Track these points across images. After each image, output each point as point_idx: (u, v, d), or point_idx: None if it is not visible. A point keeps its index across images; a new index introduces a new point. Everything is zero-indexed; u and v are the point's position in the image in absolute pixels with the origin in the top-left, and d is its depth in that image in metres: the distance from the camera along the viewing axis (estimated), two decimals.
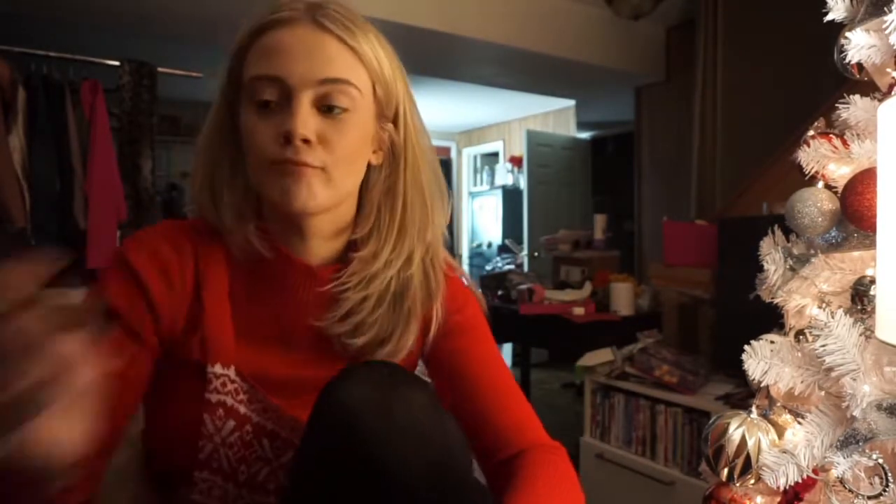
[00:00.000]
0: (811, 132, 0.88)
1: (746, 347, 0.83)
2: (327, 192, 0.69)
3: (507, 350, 5.18)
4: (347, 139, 0.70)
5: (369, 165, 0.76)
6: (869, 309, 0.76)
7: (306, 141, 0.67)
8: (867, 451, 0.68)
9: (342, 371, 0.67)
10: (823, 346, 0.72)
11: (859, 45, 0.78)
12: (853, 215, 0.77)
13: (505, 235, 5.57)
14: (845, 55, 0.81)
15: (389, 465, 0.59)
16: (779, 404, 0.84)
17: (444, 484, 0.60)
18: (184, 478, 0.72)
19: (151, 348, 0.71)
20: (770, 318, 0.94)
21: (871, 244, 0.76)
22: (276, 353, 0.75)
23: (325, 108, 0.68)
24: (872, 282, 0.77)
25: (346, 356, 0.76)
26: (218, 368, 0.71)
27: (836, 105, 0.84)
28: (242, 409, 0.73)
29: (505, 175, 5.94)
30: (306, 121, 0.67)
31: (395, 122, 0.76)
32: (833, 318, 0.72)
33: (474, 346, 0.82)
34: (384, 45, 0.74)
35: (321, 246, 0.76)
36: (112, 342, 0.67)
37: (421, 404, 0.64)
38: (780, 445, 0.78)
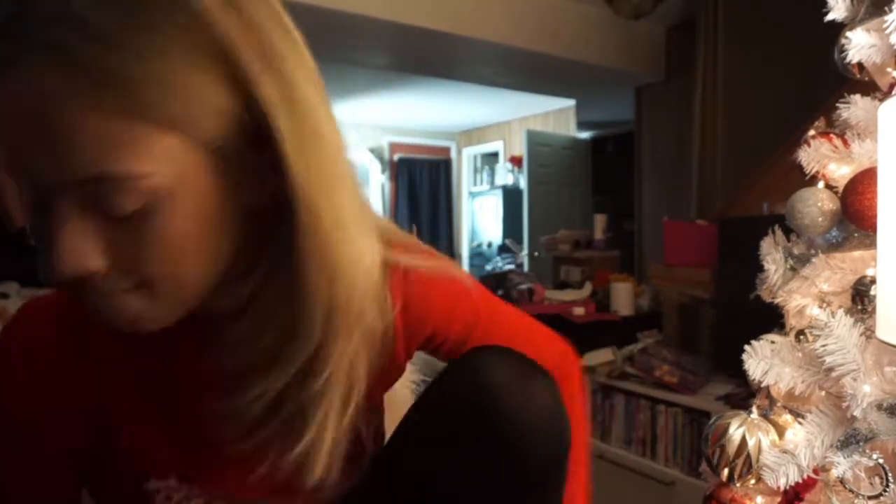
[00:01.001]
0: (811, 132, 0.88)
1: (747, 347, 0.83)
2: (163, 311, 0.48)
3: None
4: (163, 244, 0.45)
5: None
6: (869, 309, 0.76)
7: (90, 274, 0.44)
8: (867, 451, 0.68)
9: (477, 350, 0.61)
10: (824, 346, 0.72)
11: (860, 45, 0.78)
12: (854, 215, 0.77)
13: (505, 235, 5.58)
14: (845, 55, 0.81)
15: (522, 451, 0.57)
16: (779, 404, 0.84)
17: (556, 478, 0.60)
18: None
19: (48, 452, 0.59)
20: (770, 318, 0.94)
21: (872, 244, 0.76)
22: (203, 431, 0.56)
23: (113, 213, 0.43)
24: (873, 282, 0.77)
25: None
26: (153, 483, 0.59)
27: (837, 105, 0.84)
28: None
29: (505, 175, 5.95)
30: (77, 248, 0.43)
31: (266, 127, 0.46)
32: (833, 318, 0.72)
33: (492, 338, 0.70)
34: (195, 33, 0.41)
35: (217, 310, 0.54)
36: None
37: (555, 397, 0.60)
38: (781, 445, 0.78)
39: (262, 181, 0.47)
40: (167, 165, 0.43)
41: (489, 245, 5.96)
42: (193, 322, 0.53)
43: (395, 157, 6.48)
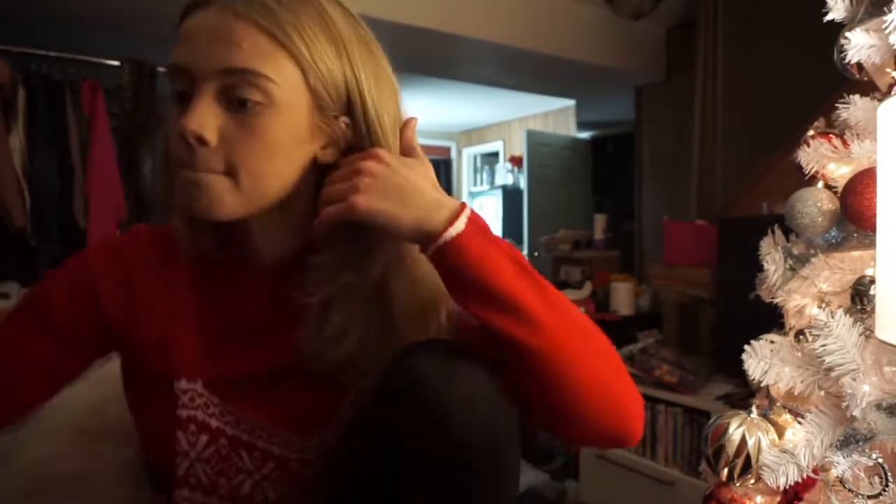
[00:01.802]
0: (811, 132, 0.88)
1: (746, 347, 0.83)
2: (237, 200, 0.62)
3: None
4: (262, 139, 0.61)
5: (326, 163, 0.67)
6: (869, 309, 0.76)
7: (202, 142, 0.60)
8: (867, 450, 0.68)
9: (407, 346, 0.63)
10: (823, 345, 0.72)
11: (859, 45, 0.79)
12: (853, 215, 0.77)
13: (505, 235, 5.57)
14: (845, 55, 0.81)
15: (452, 429, 0.57)
16: (779, 404, 0.84)
17: (497, 455, 0.59)
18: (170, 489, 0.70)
19: (74, 347, 0.70)
20: (770, 318, 0.94)
21: (871, 244, 0.76)
22: (242, 359, 0.71)
23: (236, 102, 0.60)
24: (872, 282, 0.77)
25: (318, 369, 0.67)
26: (184, 384, 0.68)
27: (836, 105, 0.84)
28: (214, 423, 0.69)
29: (505, 175, 5.94)
30: (203, 117, 0.59)
31: (350, 114, 0.65)
32: (833, 317, 0.72)
33: None
34: (330, 27, 0.63)
35: (270, 247, 0.69)
36: (12, 321, 0.69)
37: (484, 383, 0.60)
38: (780, 445, 0.79)
39: (337, 141, 0.66)
40: (287, 85, 0.61)
41: None
42: (262, 273, 0.70)
43: None
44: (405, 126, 0.69)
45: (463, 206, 0.64)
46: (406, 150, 0.68)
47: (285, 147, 0.63)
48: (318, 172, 0.67)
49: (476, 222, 0.63)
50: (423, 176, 0.64)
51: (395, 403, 0.60)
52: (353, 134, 0.66)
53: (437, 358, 0.61)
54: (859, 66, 0.83)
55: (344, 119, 0.65)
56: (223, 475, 0.70)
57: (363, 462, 0.62)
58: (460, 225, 0.61)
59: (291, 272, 0.68)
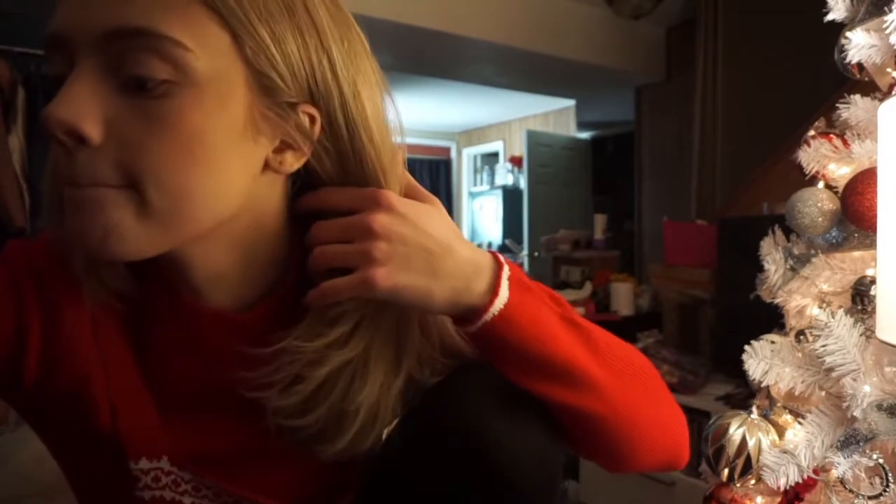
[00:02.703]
0: (811, 132, 0.88)
1: (747, 347, 0.83)
2: (147, 229, 0.43)
3: None
4: (173, 134, 0.41)
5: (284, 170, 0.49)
6: (869, 309, 0.76)
7: (80, 139, 0.41)
8: (867, 451, 0.68)
9: (451, 378, 0.52)
10: (824, 346, 0.72)
11: (859, 45, 0.78)
12: (853, 215, 0.77)
13: (505, 235, 5.58)
14: (845, 55, 0.81)
15: (518, 489, 0.49)
16: (779, 404, 0.84)
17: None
18: None
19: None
20: (770, 318, 0.94)
21: (872, 244, 0.76)
22: (212, 425, 0.55)
23: (133, 82, 0.41)
24: (873, 282, 0.77)
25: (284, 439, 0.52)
26: (144, 464, 0.52)
27: (837, 105, 0.84)
28: (188, 501, 0.55)
29: (505, 175, 5.94)
30: (79, 103, 0.40)
31: (320, 105, 0.47)
32: (833, 318, 0.72)
33: None
34: None
35: (227, 289, 0.51)
36: None
37: (541, 426, 0.53)
38: (781, 446, 0.78)
39: (297, 142, 0.47)
40: (210, 54, 0.41)
41: (489, 245, 5.96)
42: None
43: None
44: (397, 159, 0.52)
45: (498, 261, 0.51)
46: (411, 192, 0.52)
47: (212, 145, 0.43)
48: (286, 182, 0.51)
49: (517, 278, 0.51)
50: (447, 228, 0.50)
51: (450, 460, 0.49)
52: (330, 135, 0.48)
53: (493, 403, 0.50)
54: (860, 66, 0.83)
55: (307, 109, 0.47)
56: None
57: None
58: (504, 292, 0.49)
59: (261, 315, 0.52)
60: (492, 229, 5.97)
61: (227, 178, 0.45)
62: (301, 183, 0.52)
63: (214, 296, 0.51)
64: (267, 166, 0.48)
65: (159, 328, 0.53)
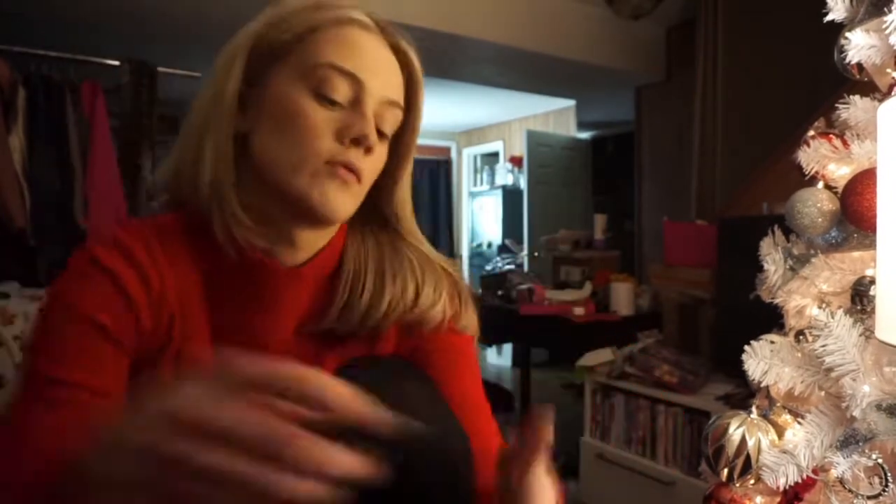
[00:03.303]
0: (811, 132, 0.88)
1: (746, 347, 0.83)
2: (353, 205, 0.66)
3: (507, 350, 5.18)
4: (380, 163, 0.68)
5: None
6: (869, 309, 0.76)
7: (369, 151, 0.64)
8: (867, 451, 0.68)
9: (336, 371, 0.64)
10: (823, 346, 0.72)
11: (859, 46, 0.79)
12: (853, 215, 0.77)
13: (505, 235, 5.58)
14: (845, 55, 0.81)
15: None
16: (779, 404, 0.84)
17: (448, 478, 0.59)
18: None
19: (130, 355, 0.62)
20: (770, 318, 0.94)
21: (871, 244, 0.76)
22: None
23: (377, 130, 0.66)
24: (872, 282, 0.77)
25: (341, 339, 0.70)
26: None
27: (836, 105, 0.84)
28: None
29: (505, 175, 5.94)
30: (374, 128, 0.64)
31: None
32: (833, 318, 0.72)
33: (454, 382, 0.74)
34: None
35: (308, 247, 0.69)
36: (102, 356, 0.59)
37: (415, 398, 0.63)
38: (780, 445, 0.79)
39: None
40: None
41: (489, 245, 5.96)
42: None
43: None
44: None
45: None
46: None
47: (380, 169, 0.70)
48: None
49: None
50: None
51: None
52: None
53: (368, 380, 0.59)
54: (859, 66, 0.83)
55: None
56: None
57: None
58: None
59: (317, 268, 0.69)
60: (492, 229, 5.97)
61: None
62: None
63: (295, 256, 0.68)
64: None
65: (233, 288, 0.67)
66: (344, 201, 0.64)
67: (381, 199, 0.73)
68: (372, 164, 0.66)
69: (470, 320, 0.76)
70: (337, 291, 0.69)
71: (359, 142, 0.63)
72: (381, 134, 0.66)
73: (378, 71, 0.65)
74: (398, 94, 0.68)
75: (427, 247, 0.76)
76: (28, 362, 0.60)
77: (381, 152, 0.67)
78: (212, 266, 0.66)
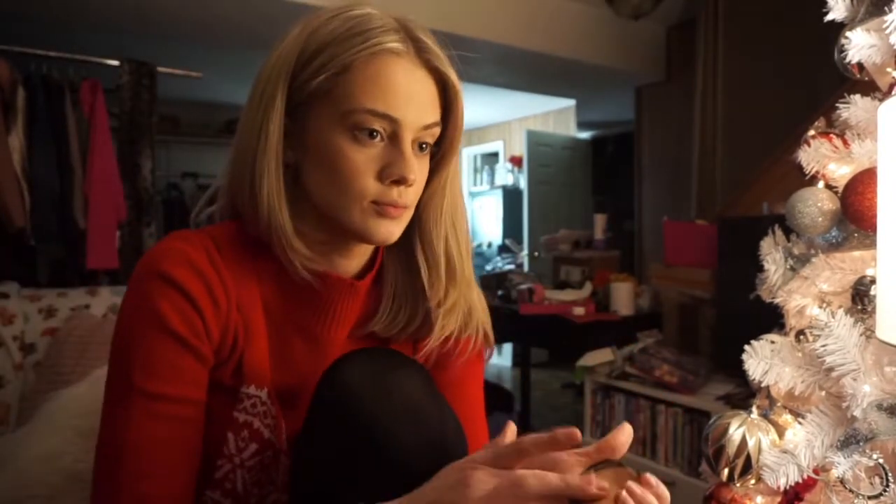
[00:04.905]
0: (811, 132, 0.88)
1: (747, 347, 0.83)
2: (402, 228, 0.70)
3: (507, 350, 5.18)
4: (426, 174, 0.71)
5: None
6: (869, 309, 0.76)
7: (410, 184, 0.67)
8: (867, 451, 0.68)
9: (341, 357, 0.67)
10: (824, 346, 0.72)
11: (859, 45, 0.78)
12: (853, 215, 0.77)
13: (505, 235, 5.57)
14: (845, 55, 0.81)
15: (388, 444, 0.61)
16: (779, 404, 0.84)
17: (441, 461, 0.59)
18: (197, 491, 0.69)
19: (208, 367, 0.67)
20: (770, 318, 0.94)
21: (872, 244, 0.76)
22: (310, 372, 0.71)
23: (418, 146, 0.69)
24: (873, 282, 0.77)
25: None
26: (252, 389, 0.69)
27: (837, 105, 0.84)
28: (267, 434, 0.69)
29: (505, 175, 5.94)
30: (413, 165, 0.67)
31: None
32: (833, 318, 0.72)
33: (463, 386, 0.80)
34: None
35: (361, 255, 0.75)
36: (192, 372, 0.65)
37: (417, 387, 0.65)
38: (781, 445, 0.78)
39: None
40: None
41: (489, 245, 5.95)
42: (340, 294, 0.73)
43: None
44: None
45: None
46: None
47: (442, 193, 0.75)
48: None
49: None
50: None
51: (329, 422, 0.64)
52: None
53: (367, 370, 0.64)
54: (860, 65, 0.83)
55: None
56: (258, 486, 0.70)
57: (320, 468, 0.65)
58: None
59: (369, 279, 0.75)
60: (492, 229, 5.97)
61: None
62: None
63: (349, 268, 0.74)
64: None
65: (289, 299, 0.72)
66: (393, 231, 0.68)
67: (423, 213, 0.75)
68: (415, 190, 0.69)
69: (490, 334, 0.82)
70: (381, 300, 0.76)
71: (399, 182, 0.66)
72: (421, 147, 0.69)
73: (412, 101, 0.66)
74: (434, 115, 0.69)
75: (459, 261, 0.78)
76: (124, 377, 0.63)
77: (422, 168, 0.70)
78: (271, 276, 0.71)
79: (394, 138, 0.66)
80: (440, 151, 0.74)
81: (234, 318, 0.68)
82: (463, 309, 0.77)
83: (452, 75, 0.71)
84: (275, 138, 0.66)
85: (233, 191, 0.71)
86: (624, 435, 0.57)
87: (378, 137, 0.66)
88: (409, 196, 0.68)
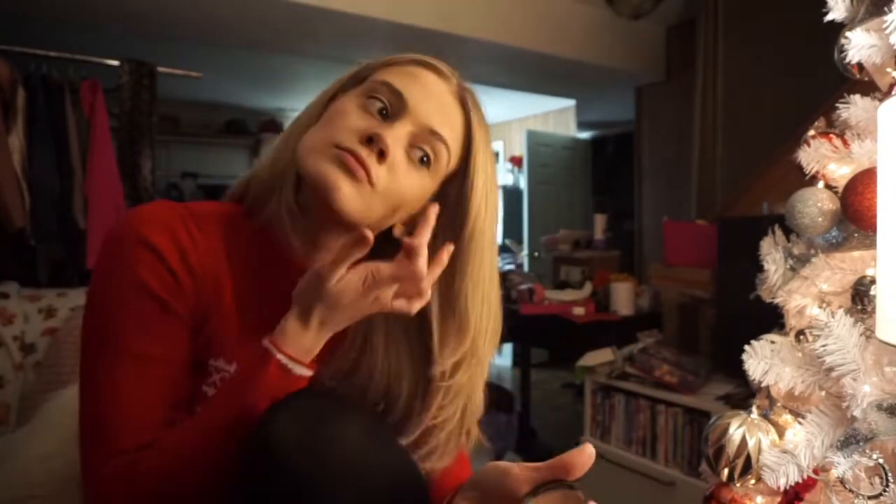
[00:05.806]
0: (811, 132, 0.88)
1: (747, 347, 0.83)
2: (362, 204, 0.65)
3: (507, 350, 5.17)
4: (408, 187, 0.68)
5: None
6: (869, 309, 0.76)
7: (382, 155, 0.65)
8: (867, 451, 0.68)
9: (272, 407, 0.61)
10: (824, 346, 0.72)
11: (859, 45, 0.78)
12: (853, 215, 0.77)
13: (505, 235, 5.57)
14: (845, 55, 0.81)
15: (320, 501, 0.56)
16: (779, 404, 0.84)
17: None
18: None
19: (187, 327, 0.67)
20: (770, 318, 0.94)
21: (872, 244, 0.76)
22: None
23: (415, 151, 0.68)
24: (873, 282, 0.77)
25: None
26: (221, 363, 0.68)
27: (837, 105, 0.84)
28: None
29: (505, 175, 5.93)
30: (396, 144, 0.66)
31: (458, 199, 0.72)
32: (833, 318, 0.72)
33: None
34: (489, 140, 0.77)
35: (330, 252, 0.72)
36: (165, 325, 0.65)
37: (356, 436, 0.60)
38: (781, 445, 0.78)
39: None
40: (451, 160, 0.72)
41: None
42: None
43: None
44: None
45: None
46: None
47: (411, 203, 0.70)
48: None
49: None
50: None
51: (261, 480, 0.58)
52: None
53: (299, 424, 0.59)
54: (860, 65, 0.83)
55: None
56: None
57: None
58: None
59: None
60: None
61: (408, 211, 0.73)
62: None
63: (314, 258, 0.71)
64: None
65: (261, 279, 0.72)
66: (342, 186, 0.64)
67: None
68: (389, 176, 0.66)
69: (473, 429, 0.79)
70: (346, 333, 0.72)
71: (371, 140, 0.64)
72: (419, 158, 0.68)
73: (430, 100, 0.68)
74: (445, 132, 0.69)
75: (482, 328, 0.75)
76: (107, 335, 0.64)
77: (407, 171, 0.67)
78: (239, 253, 0.71)
79: (393, 118, 0.67)
80: (458, 224, 0.71)
81: (208, 289, 0.68)
82: (464, 398, 0.74)
83: (474, 119, 0.73)
84: (308, 120, 0.71)
85: (255, 170, 0.74)
86: (584, 456, 0.55)
87: (383, 115, 0.67)
88: (380, 171, 0.65)
